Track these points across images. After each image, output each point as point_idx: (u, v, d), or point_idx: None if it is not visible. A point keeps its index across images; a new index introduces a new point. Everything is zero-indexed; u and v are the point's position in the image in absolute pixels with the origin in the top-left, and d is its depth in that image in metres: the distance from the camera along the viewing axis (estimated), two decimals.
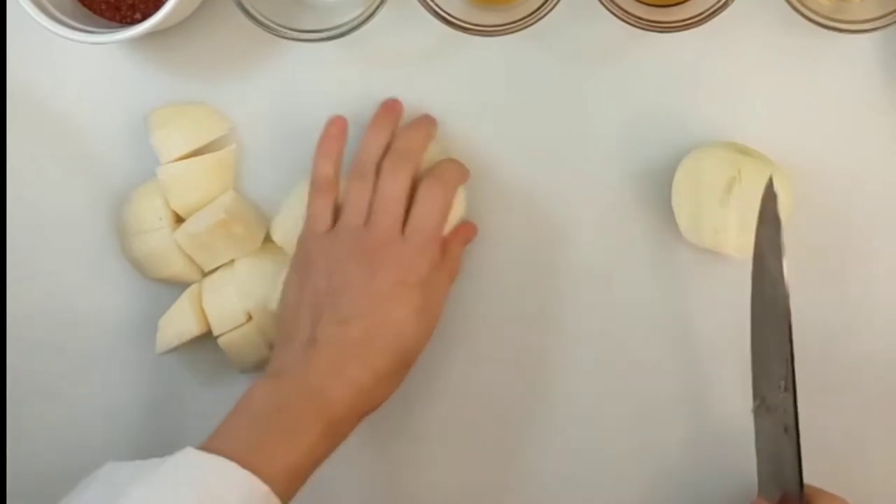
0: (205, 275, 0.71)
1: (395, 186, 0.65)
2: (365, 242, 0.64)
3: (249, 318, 0.69)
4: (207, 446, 0.57)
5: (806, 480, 0.60)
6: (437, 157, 0.69)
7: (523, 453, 0.71)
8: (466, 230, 0.69)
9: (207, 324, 0.69)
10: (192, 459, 0.56)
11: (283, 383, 0.60)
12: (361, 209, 0.65)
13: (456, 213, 0.68)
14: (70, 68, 0.72)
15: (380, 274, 0.63)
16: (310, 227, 0.66)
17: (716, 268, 0.69)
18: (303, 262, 0.66)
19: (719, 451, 0.69)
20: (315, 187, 0.67)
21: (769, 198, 0.61)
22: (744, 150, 0.66)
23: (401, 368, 0.63)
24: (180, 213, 0.69)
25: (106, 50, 0.72)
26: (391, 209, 0.65)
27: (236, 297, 0.69)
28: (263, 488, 0.55)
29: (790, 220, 0.66)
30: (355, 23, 0.65)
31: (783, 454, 0.61)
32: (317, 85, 0.71)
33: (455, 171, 0.67)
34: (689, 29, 0.64)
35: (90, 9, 0.69)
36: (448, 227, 0.67)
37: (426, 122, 0.68)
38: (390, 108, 0.69)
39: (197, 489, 0.54)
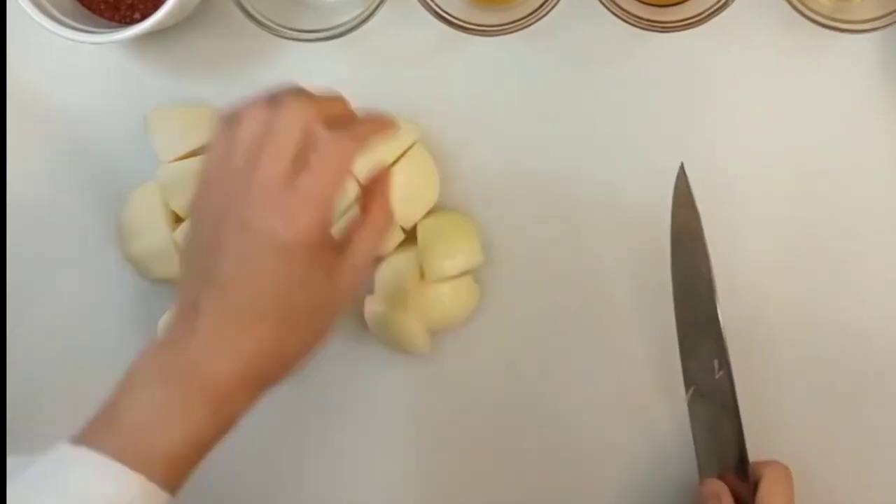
0: None
1: (292, 120, 0.54)
2: (240, 190, 0.54)
3: None
4: (81, 436, 0.52)
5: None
6: (423, 159, 0.69)
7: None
8: (382, 177, 0.59)
9: None
10: (61, 457, 0.51)
11: (165, 357, 0.54)
12: (250, 148, 0.54)
13: (427, 200, 0.68)
14: (69, 68, 0.72)
15: (253, 232, 0.54)
16: (207, 161, 0.57)
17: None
18: (194, 213, 0.57)
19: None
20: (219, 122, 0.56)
21: (682, 183, 0.63)
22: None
23: (292, 335, 0.55)
24: (180, 213, 0.69)
25: (105, 50, 0.72)
26: (277, 147, 0.54)
27: None
28: (137, 481, 0.50)
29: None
30: (355, 22, 0.65)
31: (723, 433, 0.63)
32: (316, 83, 0.71)
33: (367, 129, 0.57)
34: (689, 29, 0.64)
35: (89, 9, 0.69)
36: (417, 216, 0.67)
37: (383, 122, 0.59)
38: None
39: (62, 492, 0.50)
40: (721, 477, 0.64)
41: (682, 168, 0.64)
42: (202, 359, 0.53)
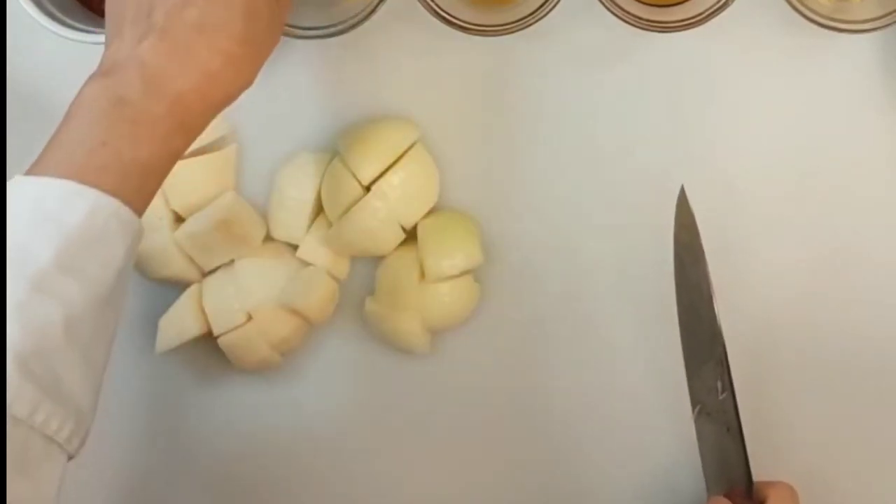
0: (205, 275, 0.70)
1: None
2: None
3: (249, 318, 0.69)
4: (37, 168, 0.51)
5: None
6: (423, 159, 0.69)
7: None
8: None
9: (207, 324, 0.69)
10: (20, 186, 0.51)
11: (120, 77, 0.53)
12: None
13: (427, 200, 0.68)
14: (70, 68, 0.71)
15: None
16: None
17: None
18: None
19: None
20: None
21: (683, 204, 0.63)
22: None
23: (252, 49, 0.56)
24: (180, 213, 0.69)
25: None
26: None
27: (236, 297, 0.69)
28: (111, 205, 0.50)
29: None
30: (355, 20, 0.65)
31: (728, 453, 0.62)
32: (317, 83, 0.71)
33: None
34: (689, 29, 0.64)
35: (90, 8, 0.69)
36: (417, 216, 0.67)
37: None
38: None
39: (31, 217, 0.49)
40: (728, 495, 0.63)
41: (682, 190, 0.64)
42: (167, 76, 0.53)
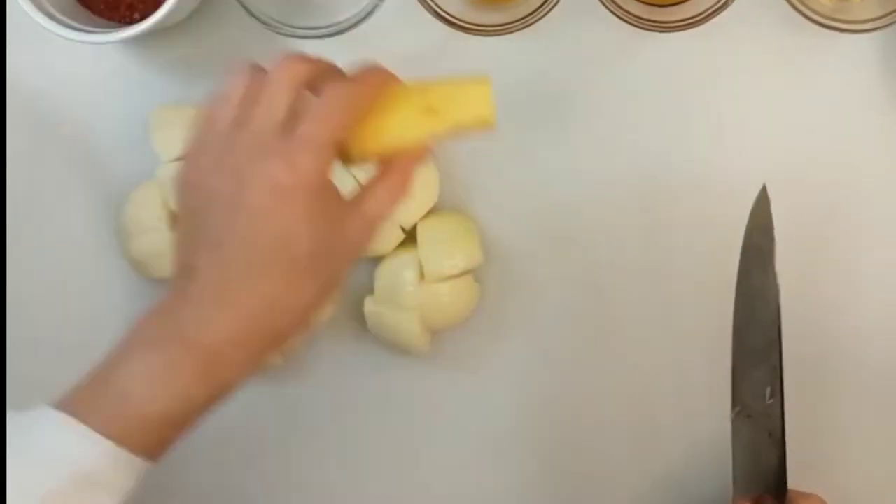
0: None
1: (285, 74, 0.52)
2: (233, 144, 0.51)
3: None
4: (61, 399, 0.51)
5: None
6: None
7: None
8: (416, 152, 0.55)
9: None
10: (36, 416, 0.50)
11: (156, 323, 0.52)
12: (241, 105, 0.52)
13: (427, 200, 0.68)
14: (69, 68, 0.72)
15: (248, 180, 0.50)
16: (200, 127, 0.54)
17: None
18: (183, 173, 0.55)
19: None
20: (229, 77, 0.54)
21: (762, 204, 0.62)
22: None
23: (294, 289, 0.52)
24: None
25: (105, 50, 0.72)
26: (272, 96, 0.51)
27: None
28: (105, 445, 0.48)
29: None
30: (354, 20, 0.65)
31: (764, 459, 0.61)
32: None
33: (374, 75, 0.54)
34: (689, 29, 0.64)
35: (89, 8, 0.69)
36: (417, 216, 0.67)
37: (383, 73, 0.55)
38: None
39: (27, 449, 0.49)
40: (756, 501, 0.62)
41: (764, 190, 0.62)
42: (193, 321, 0.51)
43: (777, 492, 0.62)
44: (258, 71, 0.53)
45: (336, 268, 0.53)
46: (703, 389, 0.69)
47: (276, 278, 0.51)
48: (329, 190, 0.52)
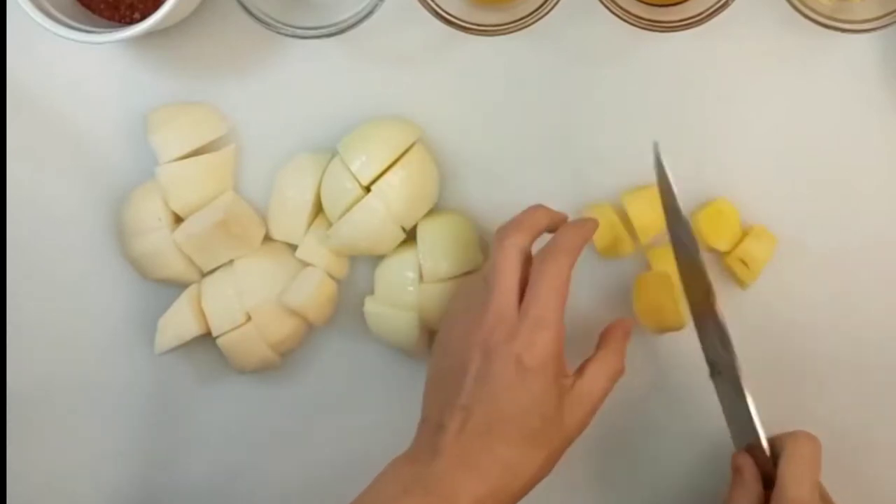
0: (204, 275, 0.70)
1: (511, 259, 0.61)
2: (481, 323, 0.60)
3: (248, 318, 0.69)
4: None
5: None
6: (423, 159, 0.69)
7: None
8: (624, 324, 0.65)
9: (207, 324, 0.69)
10: None
11: (414, 467, 0.59)
12: (483, 286, 0.62)
13: (427, 200, 0.68)
14: (69, 68, 0.72)
15: (496, 357, 0.59)
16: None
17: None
18: (439, 339, 0.64)
19: None
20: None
21: (659, 164, 0.63)
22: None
23: (535, 454, 0.59)
24: (179, 213, 0.69)
25: (105, 50, 0.72)
26: (506, 286, 0.61)
27: (235, 297, 0.69)
28: None
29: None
30: (354, 20, 0.65)
31: (740, 410, 0.62)
32: (316, 83, 0.71)
33: (570, 239, 0.62)
34: (689, 29, 0.64)
35: (89, 8, 0.69)
36: (417, 216, 0.68)
37: (588, 224, 0.64)
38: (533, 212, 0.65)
39: None
40: (749, 449, 0.63)
41: (656, 147, 0.64)
42: (446, 476, 0.57)
43: (752, 438, 0.62)
44: (494, 248, 0.62)
45: (560, 440, 0.60)
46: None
47: (512, 445, 0.58)
48: (559, 366, 0.60)
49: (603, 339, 0.64)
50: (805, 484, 0.59)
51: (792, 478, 0.59)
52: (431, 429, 0.60)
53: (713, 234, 0.67)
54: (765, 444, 0.61)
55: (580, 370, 0.61)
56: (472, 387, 0.59)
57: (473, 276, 0.65)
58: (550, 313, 0.59)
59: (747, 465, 0.62)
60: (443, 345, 0.63)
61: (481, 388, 0.59)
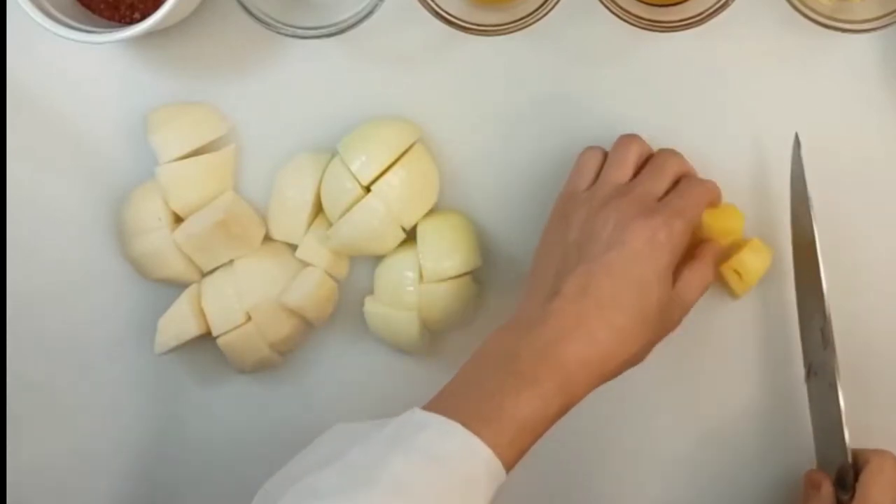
0: (204, 275, 0.70)
1: (673, 159, 0.64)
2: (623, 196, 0.62)
3: (249, 318, 0.69)
4: (431, 404, 0.56)
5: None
6: (423, 159, 0.69)
7: None
8: (714, 243, 0.66)
9: (207, 324, 0.69)
10: (412, 419, 0.55)
11: (519, 333, 0.58)
12: (628, 166, 0.64)
13: (427, 200, 0.68)
14: (69, 68, 0.72)
15: (631, 228, 0.60)
16: (572, 181, 0.66)
17: None
18: (556, 218, 0.65)
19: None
20: (588, 148, 0.67)
21: (796, 151, 0.65)
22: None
23: (643, 331, 0.59)
24: (179, 213, 0.69)
25: (105, 50, 0.72)
26: (661, 174, 0.63)
27: (235, 297, 0.69)
28: (480, 444, 0.53)
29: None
30: (355, 20, 0.65)
31: (832, 414, 0.62)
32: (316, 83, 0.71)
33: (710, 186, 0.66)
34: (689, 29, 0.64)
35: (89, 8, 0.69)
36: (417, 216, 0.68)
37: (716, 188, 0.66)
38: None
39: (410, 449, 0.53)
40: (824, 467, 0.63)
41: (797, 139, 0.66)
42: (554, 343, 0.57)
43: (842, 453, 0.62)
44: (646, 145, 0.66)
45: (659, 330, 0.61)
46: (710, 379, 0.69)
47: (628, 315, 0.59)
48: (679, 254, 0.61)
49: (694, 252, 0.64)
50: (887, 497, 0.60)
51: (878, 487, 0.60)
52: (542, 297, 0.60)
53: (719, 230, 0.67)
54: (848, 445, 0.62)
55: (674, 276, 0.62)
56: (601, 252, 0.59)
57: (622, 149, 0.66)
58: (693, 210, 0.62)
59: (825, 482, 0.62)
60: (566, 217, 0.63)
61: (610, 255, 0.59)
